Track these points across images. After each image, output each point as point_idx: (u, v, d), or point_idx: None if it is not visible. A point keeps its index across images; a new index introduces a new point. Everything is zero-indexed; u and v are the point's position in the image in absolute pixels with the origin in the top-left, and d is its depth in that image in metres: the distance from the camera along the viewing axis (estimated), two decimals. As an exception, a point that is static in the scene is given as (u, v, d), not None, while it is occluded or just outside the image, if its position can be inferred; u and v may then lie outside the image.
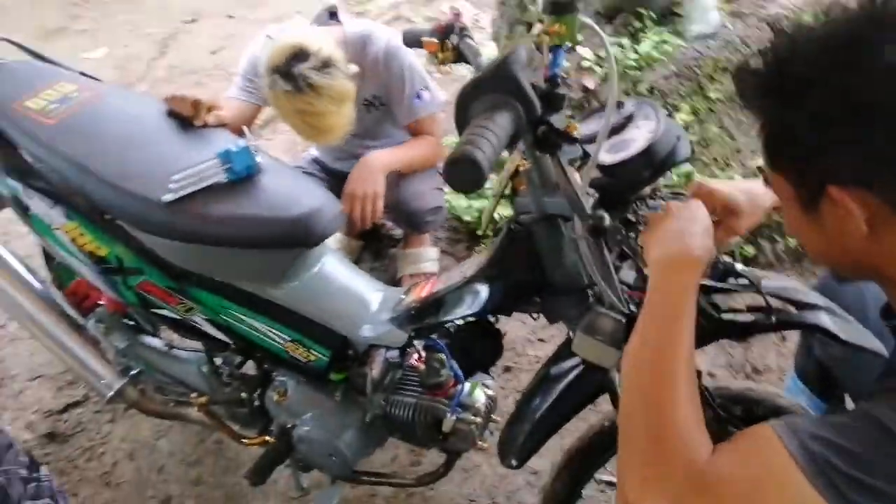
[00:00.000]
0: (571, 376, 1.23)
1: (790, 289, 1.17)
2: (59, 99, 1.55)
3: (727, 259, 1.17)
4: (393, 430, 1.55)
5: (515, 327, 2.29)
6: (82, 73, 1.74)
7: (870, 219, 0.73)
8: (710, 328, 1.10)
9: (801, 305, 1.14)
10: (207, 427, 1.72)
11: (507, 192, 1.13)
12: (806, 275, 2.42)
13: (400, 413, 1.48)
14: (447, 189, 2.27)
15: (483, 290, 1.27)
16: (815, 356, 1.56)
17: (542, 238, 1.12)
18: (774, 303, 1.10)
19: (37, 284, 1.74)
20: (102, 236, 1.47)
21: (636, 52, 2.51)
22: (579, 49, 2.58)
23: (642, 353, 0.87)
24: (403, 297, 1.45)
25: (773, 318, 1.10)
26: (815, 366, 1.58)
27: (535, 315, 1.27)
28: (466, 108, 0.81)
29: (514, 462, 1.30)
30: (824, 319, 1.13)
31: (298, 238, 1.40)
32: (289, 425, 1.57)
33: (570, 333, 1.23)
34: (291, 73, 1.57)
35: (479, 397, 1.49)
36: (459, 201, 2.60)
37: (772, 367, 2.10)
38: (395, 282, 2.39)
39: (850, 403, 1.51)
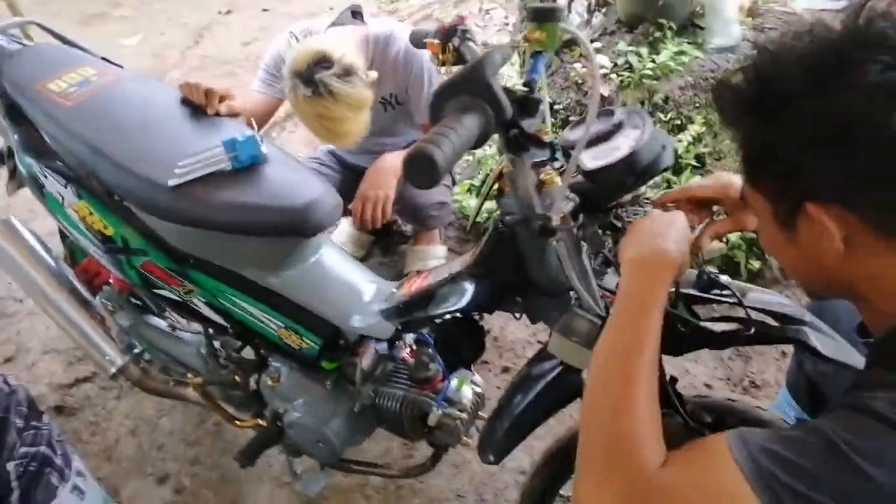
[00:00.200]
0: (550, 377, 1.25)
1: (774, 303, 1.17)
2: (79, 82, 1.60)
3: (712, 270, 1.18)
4: (381, 420, 1.58)
5: (516, 329, 2.31)
6: (104, 59, 1.79)
7: (847, 237, 0.74)
8: (689, 336, 1.11)
9: (785, 319, 1.14)
10: (204, 407, 1.77)
11: (494, 192, 1.15)
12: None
13: (388, 404, 1.51)
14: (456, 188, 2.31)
15: (469, 288, 1.29)
16: (805, 371, 1.56)
17: (524, 239, 1.14)
18: (757, 316, 1.11)
19: (50, 261, 1.81)
20: (110, 216, 1.52)
21: (654, 61, 2.51)
22: (597, 57, 2.59)
23: (606, 353, 0.88)
24: (395, 290, 1.48)
25: (753, 330, 1.10)
26: (805, 381, 1.57)
27: (517, 315, 1.29)
28: (439, 106, 0.84)
29: (491, 458, 1.31)
30: (806, 334, 1.12)
31: (296, 227, 1.43)
32: (281, 410, 1.61)
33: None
34: (313, 79, 1.62)
35: (466, 393, 1.51)
36: (470, 201, 2.63)
37: (770, 381, 2.09)
38: (401, 277, 2.42)
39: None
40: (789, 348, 2.07)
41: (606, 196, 1.08)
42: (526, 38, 0.91)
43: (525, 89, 0.92)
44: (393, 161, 2.03)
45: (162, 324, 1.85)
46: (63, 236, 2.06)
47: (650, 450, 0.77)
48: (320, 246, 1.57)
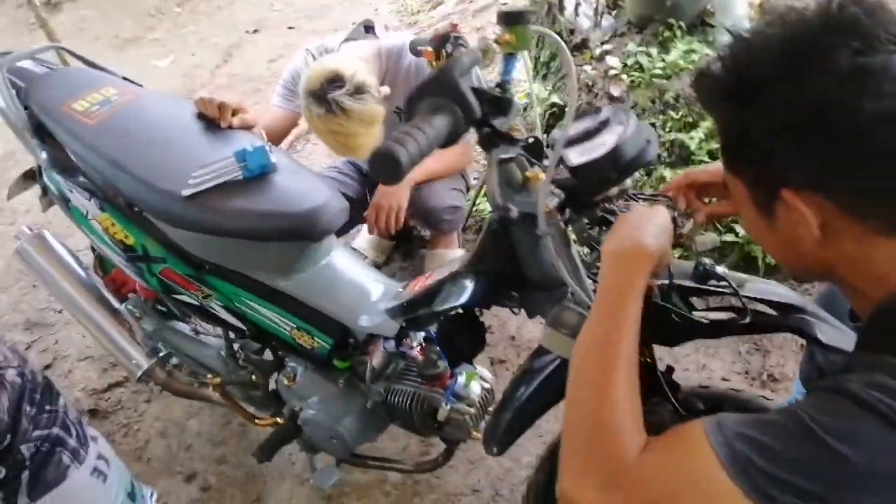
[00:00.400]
0: (549, 370, 1.27)
1: (773, 292, 1.18)
2: (101, 102, 1.69)
3: (708, 261, 1.19)
4: (393, 417, 1.63)
5: (532, 328, 2.33)
6: (125, 78, 1.89)
7: (823, 223, 0.74)
8: (683, 327, 1.13)
9: (784, 308, 1.15)
10: (225, 407, 1.84)
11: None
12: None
13: (398, 401, 1.55)
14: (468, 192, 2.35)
15: (469, 284, 1.33)
16: (816, 362, 1.55)
17: (516, 235, 1.18)
18: (754, 305, 1.12)
19: (80, 271, 1.90)
20: (130, 227, 1.61)
21: (664, 61, 2.52)
22: (608, 58, 2.62)
23: (587, 344, 0.89)
24: (401, 290, 1.53)
25: (748, 319, 1.12)
26: (816, 371, 1.56)
27: (515, 310, 1.32)
28: (412, 107, 0.89)
29: (495, 449, 1.34)
30: (805, 322, 1.13)
31: (304, 231, 1.50)
32: (297, 408, 1.67)
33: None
34: (326, 97, 1.69)
35: (475, 389, 1.54)
36: (488, 205, 2.67)
37: (789, 375, 2.07)
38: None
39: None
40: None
41: (592, 191, 1.11)
42: (497, 41, 0.95)
43: (498, 90, 0.96)
44: None
45: (185, 328, 1.93)
46: (94, 248, 2.16)
47: (629, 437, 0.78)
48: (330, 249, 1.62)
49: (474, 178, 2.74)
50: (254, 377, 1.73)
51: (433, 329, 1.50)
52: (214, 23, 6.20)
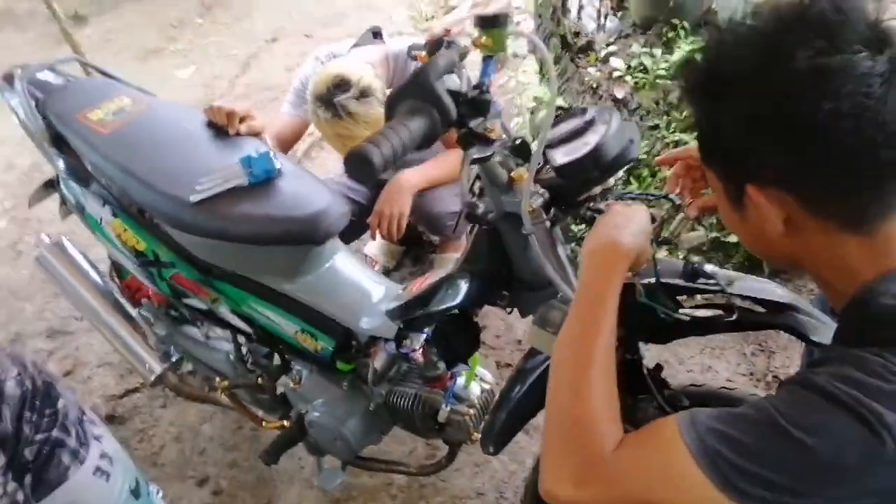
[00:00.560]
0: (541, 369, 1.29)
1: (763, 290, 1.19)
2: (115, 111, 1.74)
3: (697, 259, 1.21)
4: (396, 419, 1.65)
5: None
6: (139, 88, 1.95)
7: (787, 219, 0.76)
8: (673, 325, 1.14)
9: (773, 306, 1.16)
10: (234, 410, 1.88)
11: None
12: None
13: (400, 403, 1.58)
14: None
15: (463, 285, 1.36)
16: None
17: (505, 234, 1.20)
18: (743, 303, 1.14)
19: (96, 278, 1.96)
20: (142, 232, 1.66)
21: (668, 61, 2.52)
22: (612, 60, 2.63)
23: (566, 341, 0.91)
24: (401, 292, 1.56)
25: (735, 317, 1.13)
26: (814, 370, 1.56)
27: (508, 310, 1.34)
28: (390, 109, 0.92)
29: (491, 448, 1.36)
30: (795, 320, 1.14)
31: (306, 235, 1.53)
32: (303, 411, 1.71)
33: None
34: (332, 102, 1.72)
35: (474, 390, 1.57)
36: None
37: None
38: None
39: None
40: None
41: (576, 190, 1.13)
42: (474, 44, 0.98)
43: (476, 91, 0.99)
44: (408, 178, 2.12)
45: (196, 333, 1.98)
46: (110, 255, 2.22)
47: (604, 432, 0.80)
48: (333, 252, 1.66)
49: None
50: (261, 380, 1.77)
51: (422, 329, 1.53)
52: (234, 33, 6.30)
